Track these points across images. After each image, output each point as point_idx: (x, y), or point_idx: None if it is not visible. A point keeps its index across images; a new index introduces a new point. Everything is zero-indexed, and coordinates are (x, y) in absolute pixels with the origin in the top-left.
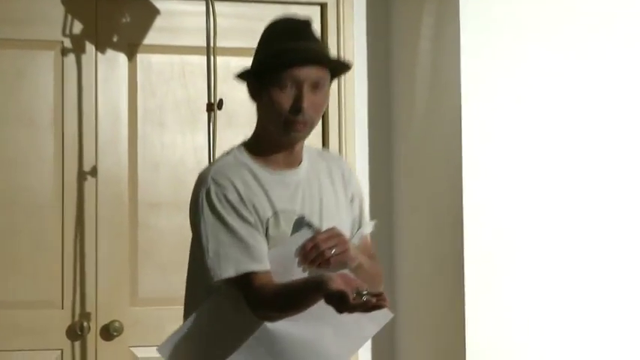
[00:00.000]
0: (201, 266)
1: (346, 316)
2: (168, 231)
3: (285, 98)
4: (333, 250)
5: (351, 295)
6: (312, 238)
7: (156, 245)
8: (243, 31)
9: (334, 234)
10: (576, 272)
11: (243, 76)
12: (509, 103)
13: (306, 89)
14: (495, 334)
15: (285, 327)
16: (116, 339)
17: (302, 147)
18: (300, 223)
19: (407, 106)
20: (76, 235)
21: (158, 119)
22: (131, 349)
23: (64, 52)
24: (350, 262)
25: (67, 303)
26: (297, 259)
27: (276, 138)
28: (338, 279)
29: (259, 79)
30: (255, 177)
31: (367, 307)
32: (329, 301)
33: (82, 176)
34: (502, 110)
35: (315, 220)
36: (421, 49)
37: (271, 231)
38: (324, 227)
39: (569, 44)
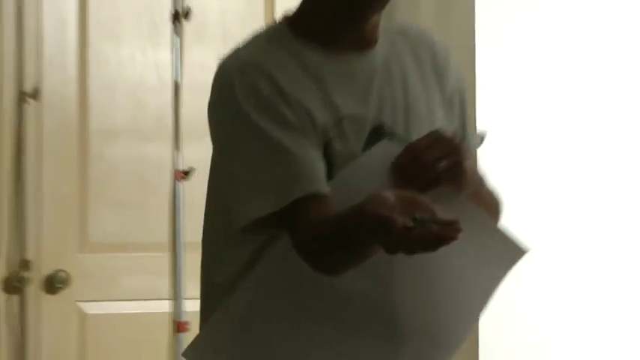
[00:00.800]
0: (226, 207)
1: (463, 261)
2: (125, 163)
3: None
4: (443, 162)
5: (401, 223)
6: (410, 147)
7: (110, 180)
8: None
9: (441, 138)
10: (594, 258)
11: None
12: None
13: None
14: (509, 311)
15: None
16: (61, 292)
17: (378, 21)
18: (378, 135)
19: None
20: (14, 169)
21: (114, 32)
22: (78, 304)
23: None
24: (469, 181)
25: (3, 250)
26: (380, 181)
27: (336, 8)
28: (391, 199)
29: None
30: (305, 66)
31: (427, 241)
32: (372, 235)
33: (21, 99)
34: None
35: (399, 130)
36: None
37: (335, 145)
38: (414, 139)
39: None
